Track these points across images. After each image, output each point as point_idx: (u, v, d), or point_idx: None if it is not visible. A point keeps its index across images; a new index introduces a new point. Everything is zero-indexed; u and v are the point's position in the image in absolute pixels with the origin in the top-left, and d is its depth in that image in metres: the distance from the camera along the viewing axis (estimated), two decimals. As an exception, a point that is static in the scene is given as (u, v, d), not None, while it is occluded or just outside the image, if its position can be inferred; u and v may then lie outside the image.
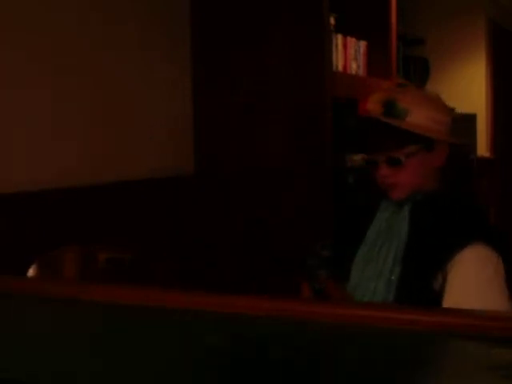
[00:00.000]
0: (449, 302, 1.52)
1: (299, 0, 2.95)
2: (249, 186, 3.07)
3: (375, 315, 0.92)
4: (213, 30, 3.11)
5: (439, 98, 1.75)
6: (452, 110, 4.56)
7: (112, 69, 2.68)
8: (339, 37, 3.25)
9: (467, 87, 5.08)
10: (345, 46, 3.30)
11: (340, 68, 3.26)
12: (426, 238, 1.60)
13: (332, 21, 3.17)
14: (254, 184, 3.06)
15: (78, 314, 1.07)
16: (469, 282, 1.53)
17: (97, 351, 0.93)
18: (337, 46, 3.22)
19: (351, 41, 3.36)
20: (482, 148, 4.96)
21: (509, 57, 5.73)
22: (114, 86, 2.69)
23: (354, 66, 3.39)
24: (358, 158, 3.27)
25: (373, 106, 1.62)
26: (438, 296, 1.54)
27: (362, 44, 3.47)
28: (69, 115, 2.47)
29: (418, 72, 5.04)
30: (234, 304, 0.98)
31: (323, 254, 1.68)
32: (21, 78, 2.28)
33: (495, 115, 5.35)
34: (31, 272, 1.78)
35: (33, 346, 0.96)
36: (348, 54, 3.33)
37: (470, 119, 4.38)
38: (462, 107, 4.69)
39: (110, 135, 2.67)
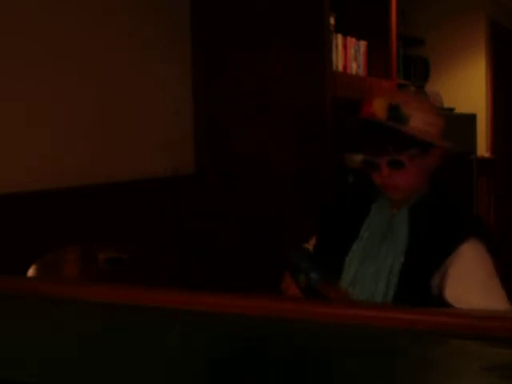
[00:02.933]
0: (452, 294, 1.57)
1: (299, 0, 2.95)
2: (249, 185, 3.07)
3: (375, 315, 0.92)
4: (213, 30, 3.11)
5: (436, 98, 1.83)
6: (451, 110, 4.56)
7: (112, 69, 2.68)
8: (339, 37, 3.25)
9: (467, 87, 5.09)
10: (345, 46, 3.30)
11: (340, 68, 3.26)
12: (425, 238, 1.65)
13: (332, 21, 3.17)
14: (253, 184, 3.06)
15: (78, 313, 1.07)
16: (470, 276, 1.59)
17: (97, 351, 0.93)
18: (337, 45, 3.22)
19: (351, 41, 3.36)
20: (482, 148, 4.96)
21: (509, 57, 5.73)
22: (115, 86, 2.69)
23: (354, 66, 3.39)
24: (358, 158, 3.27)
25: (378, 109, 1.65)
26: (437, 292, 1.59)
27: (362, 44, 3.47)
28: (69, 115, 2.47)
29: (418, 72, 5.04)
30: (233, 304, 0.98)
31: (311, 256, 1.67)
32: (21, 78, 2.28)
33: (495, 115, 5.36)
34: (31, 272, 1.78)
35: (33, 345, 0.96)
36: (348, 54, 3.33)
37: (470, 119, 4.38)
38: (461, 107, 4.69)
39: (110, 135, 2.67)
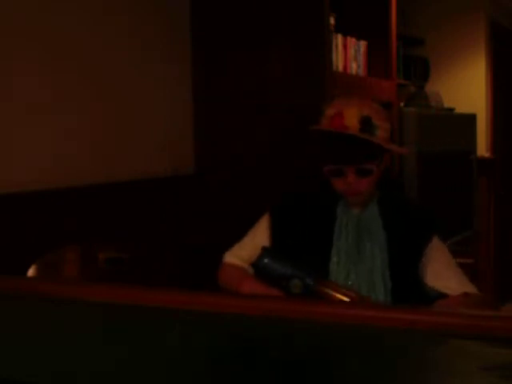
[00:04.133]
0: (435, 282, 1.78)
1: (299, 0, 2.95)
2: (249, 185, 3.07)
3: (375, 315, 0.92)
4: (213, 30, 3.11)
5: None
6: (451, 110, 4.56)
7: (112, 69, 2.68)
8: (339, 37, 3.25)
9: (467, 87, 5.08)
10: (345, 46, 3.30)
11: (340, 68, 3.26)
12: (400, 232, 1.81)
13: (332, 21, 3.17)
14: (254, 184, 3.06)
15: (78, 313, 1.07)
16: (446, 261, 1.84)
17: (97, 351, 0.93)
18: (337, 45, 3.22)
19: (351, 41, 3.36)
20: (482, 148, 4.95)
21: (509, 57, 5.73)
22: (115, 86, 2.69)
23: (354, 65, 3.39)
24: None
25: (350, 122, 1.73)
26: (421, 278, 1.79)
27: (362, 44, 3.47)
28: (68, 115, 2.47)
29: (418, 72, 5.03)
30: (233, 304, 0.98)
31: (287, 262, 1.63)
32: (21, 77, 2.28)
33: (495, 115, 5.35)
34: (31, 272, 1.78)
35: (33, 346, 0.96)
36: (348, 54, 3.33)
37: (470, 119, 4.38)
38: (461, 107, 4.68)
39: (110, 135, 2.67)
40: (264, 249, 1.67)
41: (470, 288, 1.79)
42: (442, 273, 1.80)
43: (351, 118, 1.73)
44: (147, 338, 0.95)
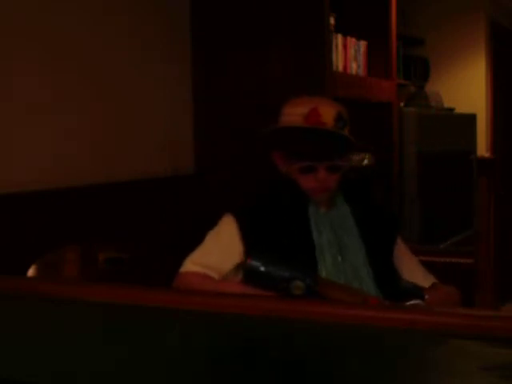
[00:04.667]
0: (409, 272, 1.86)
1: (299, 0, 2.95)
2: (249, 185, 3.07)
3: (375, 315, 0.92)
4: (213, 30, 3.11)
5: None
6: (451, 110, 4.56)
7: (112, 69, 2.68)
8: (339, 37, 3.25)
9: (467, 87, 5.08)
10: (345, 46, 3.30)
11: (340, 68, 3.26)
12: (371, 225, 1.85)
13: (332, 21, 3.17)
14: (253, 184, 3.06)
15: (78, 313, 1.07)
16: (411, 257, 1.95)
17: (97, 351, 0.93)
18: (337, 45, 3.22)
19: (351, 41, 3.36)
20: (482, 148, 4.95)
21: (509, 57, 5.73)
22: (115, 86, 2.69)
23: (354, 65, 3.39)
24: (357, 157, 3.27)
25: (327, 119, 1.75)
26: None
27: (362, 44, 3.47)
28: (68, 115, 2.47)
29: (418, 72, 5.03)
30: (233, 304, 0.98)
31: (282, 265, 1.60)
32: (21, 77, 2.28)
33: (495, 115, 5.35)
34: (31, 272, 1.78)
35: (33, 345, 0.96)
36: (348, 54, 3.33)
37: (470, 119, 4.38)
38: (461, 107, 4.68)
39: (110, 135, 2.67)
40: (252, 254, 1.62)
41: (434, 279, 1.89)
42: (411, 267, 1.89)
43: (328, 115, 1.75)
44: (147, 338, 0.95)
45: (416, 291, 1.76)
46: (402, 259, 1.88)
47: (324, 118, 1.75)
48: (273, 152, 1.90)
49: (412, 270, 1.89)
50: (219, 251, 1.79)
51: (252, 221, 1.80)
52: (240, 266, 1.69)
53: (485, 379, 0.77)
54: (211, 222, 3.14)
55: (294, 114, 1.81)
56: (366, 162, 3.25)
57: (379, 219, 1.89)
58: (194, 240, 3.06)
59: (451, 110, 4.55)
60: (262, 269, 1.56)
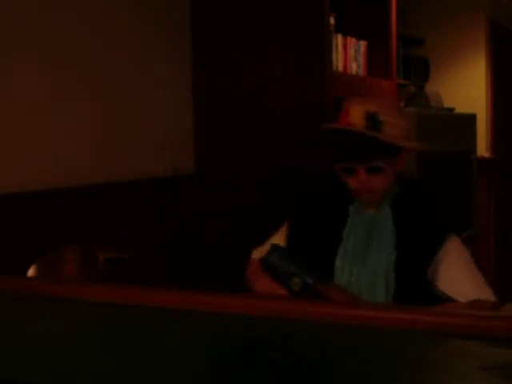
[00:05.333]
0: (446, 286, 1.70)
1: (299, 0, 2.95)
2: (249, 185, 3.07)
3: (375, 315, 0.92)
4: (213, 30, 3.11)
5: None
6: (451, 110, 4.56)
7: (112, 69, 2.68)
8: (339, 37, 3.25)
9: (467, 87, 5.08)
10: (345, 46, 3.30)
11: (340, 68, 3.26)
12: (412, 232, 1.76)
13: (332, 21, 3.17)
14: (253, 184, 3.06)
15: (78, 313, 1.07)
16: (461, 265, 1.75)
17: (96, 351, 0.93)
18: (337, 45, 3.22)
19: (351, 41, 3.36)
20: (482, 148, 4.95)
21: (509, 57, 5.73)
22: (115, 86, 2.69)
23: (354, 66, 3.39)
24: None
25: (355, 119, 1.71)
26: (430, 284, 1.71)
27: (362, 44, 3.47)
28: (68, 115, 2.47)
29: (418, 72, 5.03)
30: (233, 304, 0.98)
31: (292, 260, 1.65)
32: (21, 77, 2.28)
33: (495, 115, 5.35)
34: (31, 272, 1.78)
35: (33, 345, 0.96)
36: (348, 54, 3.33)
37: (470, 119, 4.38)
38: (461, 107, 4.68)
39: (110, 135, 2.67)
40: (272, 246, 1.70)
41: (486, 293, 1.70)
42: (455, 276, 1.72)
43: (356, 115, 1.71)
44: (147, 338, 0.95)
45: (439, 302, 1.67)
46: (444, 266, 1.71)
47: (352, 118, 1.71)
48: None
49: (453, 279, 1.71)
50: (269, 244, 1.87)
51: (297, 219, 1.90)
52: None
53: (485, 379, 0.77)
54: (211, 222, 3.14)
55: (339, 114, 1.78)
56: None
57: (424, 223, 1.77)
58: (194, 240, 3.07)
59: (451, 110, 4.54)
60: (273, 262, 1.64)
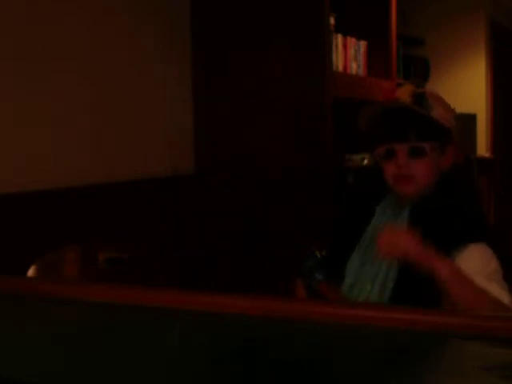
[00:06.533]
0: None
1: (299, 0, 2.95)
2: (249, 185, 3.07)
3: (375, 315, 0.92)
4: (213, 30, 3.11)
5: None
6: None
7: (112, 69, 2.68)
8: (339, 37, 3.25)
9: (467, 87, 5.08)
10: (345, 46, 3.30)
11: (340, 68, 3.26)
12: (425, 235, 1.54)
13: (332, 21, 3.17)
14: (253, 184, 3.06)
15: (78, 313, 1.07)
16: (475, 272, 1.51)
17: (96, 351, 0.93)
18: (337, 46, 3.22)
19: (351, 41, 3.36)
20: (482, 148, 4.95)
21: (509, 57, 5.73)
22: (115, 86, 2.69)
23: (354, 65, 3.39)
24: (357, 157, 3.27)
25: (403, 95, 1.61)
26: (438, 295, 1.52)
27: (362, 44, 3.47)
28: (68, 115, 2.47)
29: (418, 72, 5.04)
30: (233, 304, 0.98)
31: (319, 256, 1.67)
32: (21, 77, 2.28)
33: (495, 115, 5.35)
34: (31, 272, 1.78)
35: (33, 345, 0.96)
36: (348, 54, 3.33)
37: (470, 119, 4.38)
38: (461, 107, 4.68)
39: (110, 135, 2.67)
40: (303, 246, 1.74)
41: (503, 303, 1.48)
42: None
43: (404, 93, 1.61)
44: (147, 338, 0.95)
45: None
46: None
47: (399, 94, 1.61)
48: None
49: None
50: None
51: (338, 222, 1.87)
52: None
53: (485, 379, 0.77)
54: (211, 222, 3.14)
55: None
56: (365, 161, 3.24)
57: (436, 234, 1.54)
58: (194, 240, 3.07)
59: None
60: (299, 258, 1.68)
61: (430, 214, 1.62)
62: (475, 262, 1.54)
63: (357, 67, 3.41)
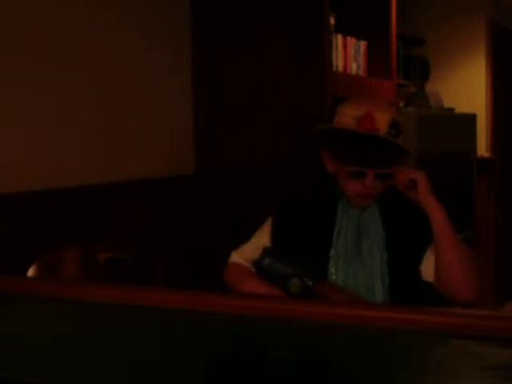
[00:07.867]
0: (426, 270, 1.73)
1: (299, 0, 2.95)
2: (249, 185, 3.07)
3: (375, 315, 0.92)
4: (213, 29, 3.11)
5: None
6: (451, 110, 4.56)
7: (112, 69, 2.68)
8: (339, 37, 3.25)
9: (467, 87, 5.08)
10: (345, 46, 3.30)
11: (340, 68, 3.26)
12: (401, 229, 1.76)
13: (332, 21, 3.17)
14: (253, 184, 3.06)
15: (78, 313, 1.07)
16: None
17: (97, 351, 0.93)
18: (337, 46, 3.22)
19: (351, 41, 3.36)
20: (482, 148, 4.95)
21: (509, 57, 5.72)
22: (115, 87, 2.69)
23: (354, 66, 3.39)
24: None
25: (381, 125, 1.69)
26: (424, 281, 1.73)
27: (362, 44, 3.47)
28: (69, 115, 2.47)
29: (418, 72, 5.03)
30: (233, 304, 0.98)
31: (288, 262, 1.65)
32: (21, 78, 2.28)
33: (495, 115, 5.35)
34: (31, 272, 1.78)
35: (33, 346, 0.96)
36: (348, 54, 3.33)
37: (470, 119, 4.38)
38: (461, 107, 4.68)
39: (111, 135, 2.67)
40: (265, 249, 1.69)
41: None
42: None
43: (382, 121, 1.69)
44: (147, 338, 0.95)
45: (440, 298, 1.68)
46: (430, 263, 1.72)
47: (378, 123, 1.69)
48: (322, 150, 1.83)
49: (429, 265, 1.73)
50: (254, 245, 1.88)
51: (282, 219, 1.89)
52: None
53: (485, 379, 0.77)
54: (211, 222, 3.14)
55: (348, 115, 1.73)
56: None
57: (413, 220, 1.75)
58: (194, 240, 3.07)
59: (451, 109, 4.54)
60: (268, 264, 1.65)
61: (396, 206, 1.79)
62: None
63: (357, 67, 3.41)
